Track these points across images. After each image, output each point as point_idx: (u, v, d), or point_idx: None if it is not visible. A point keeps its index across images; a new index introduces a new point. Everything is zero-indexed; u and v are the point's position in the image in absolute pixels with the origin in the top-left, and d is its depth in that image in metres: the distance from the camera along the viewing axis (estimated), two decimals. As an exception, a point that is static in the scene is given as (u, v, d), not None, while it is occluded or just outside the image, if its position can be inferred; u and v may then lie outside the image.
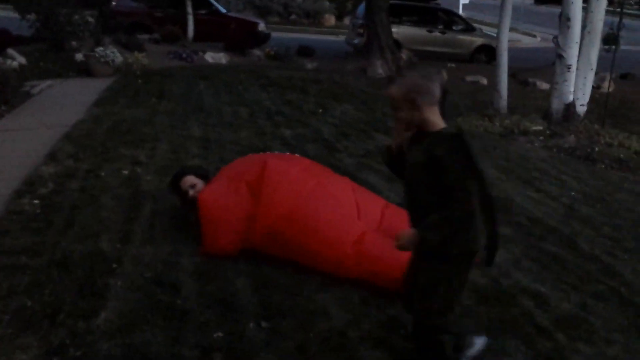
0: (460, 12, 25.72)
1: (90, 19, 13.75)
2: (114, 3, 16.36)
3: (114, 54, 11.57)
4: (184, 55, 13.88)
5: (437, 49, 17.86)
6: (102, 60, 11.32)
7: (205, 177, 4.53)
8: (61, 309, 3.33)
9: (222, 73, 12.08)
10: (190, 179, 4.48)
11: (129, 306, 3.40)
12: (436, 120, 2.71)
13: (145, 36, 15.32)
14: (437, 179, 2.59)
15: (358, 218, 4.09)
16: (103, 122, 7.38)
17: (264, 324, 3.36)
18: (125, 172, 5.60)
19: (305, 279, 3.85)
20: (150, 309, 3.38)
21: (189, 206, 4.37)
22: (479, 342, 3.04)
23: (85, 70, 11.21)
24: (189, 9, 15.92)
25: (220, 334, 3.22)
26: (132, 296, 3.50)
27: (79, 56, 11.92)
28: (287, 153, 5.62)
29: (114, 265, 3.82)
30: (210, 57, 14.25)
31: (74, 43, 13.18)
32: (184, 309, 3.40)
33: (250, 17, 20.46)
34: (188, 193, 4.42)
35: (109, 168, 5.67)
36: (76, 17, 13.24)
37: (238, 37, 16.24)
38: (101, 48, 11.80)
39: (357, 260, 3.82)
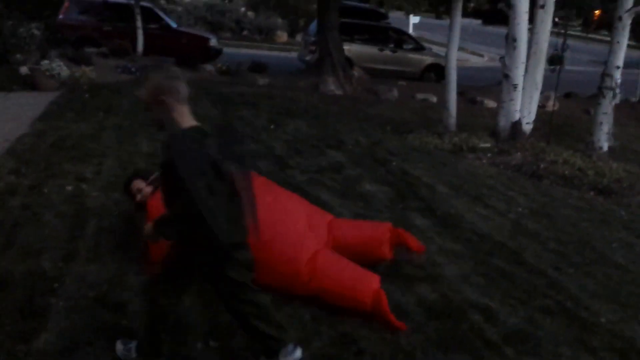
0: (411, 31, 26.10)
1: (36, 32, 13.42)
2: (61, 16, 16.04)
3: (60, 68, 11.31)
4: (133, 69, 13.68)
5: (388, 67, 18.07)
6: (48, 73, 11.06)
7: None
8: (1, 330, 3.19)
9: (172, 88, 11.91)
10: (137, 183, 4.41)
11: (71, 327, 3.28)
12: (181, 120, 2.77)
13: (93, 50, 15.04)
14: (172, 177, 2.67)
15: (310, 234, 4.06)
16: (47, 137, 7.18)
17: (212, 343, 3.29)
18: (70, 188, 5.45)
19: (255, 297, 3.79)
20: (94, 329, 3.28)
21: (137, 210, 4.31)
22: (297, 353, 3.05)
23: (30, 84, 10.92)
24: (139, 23, 15.71)
25: (167, 355, 3.13)
26: (75, 317, 3.38)
27: (24, 69, 11.61)
28: None
29: (56, 285, 3.70)
30: (160, 72, 14.06)
31: (18, 56, 12.82)
32: (130, 329, 3.31)
33: (202, 32, 20.32)
34: (136, 197, 4.36)
35: (53, 184, 5.51)
36: (21, 29, 12.91)
37: (189, 52, 16.09)
38: (47, 61, 11.52)
39: (310, 277, 3.79)
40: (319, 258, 3.86)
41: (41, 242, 4.28)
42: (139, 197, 4.34)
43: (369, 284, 3.76)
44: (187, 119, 2.77)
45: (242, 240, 2.94)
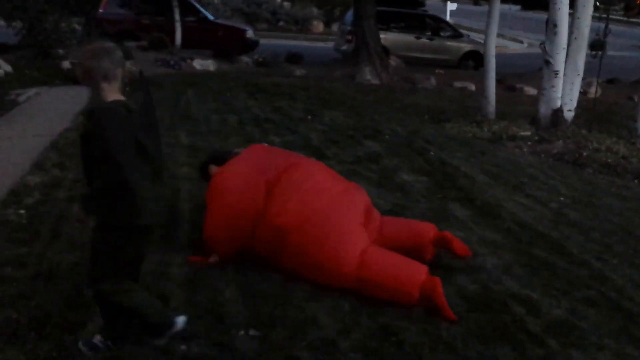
0: (448, 18, 25.82)
1: (77, 27, 13.68)
2: (101, 10, 16.29)
3: (100, 62, 11.49)
4: (172, 62, 13.83)
5: (425, 55, 17.91)
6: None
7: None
8: (48, 321, 3.28)
9: (210, 80, 12.04)
10: (212, 169, 4.46)
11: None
12: (105, 96, 2.83)
13: (133, 43, 15.25)
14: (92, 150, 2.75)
15: (365, 228, 4.06)
16: (90, 131, 7.31)
17: (253, 333, 3.33)
18: (113, 180, 5.55)
19: (295, 288, 3.82)
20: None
21: None
22: (179, 321, 3.12)
23: (72, 78, 11.12)
24: (177, 16, 15.86)
25: (209, 344, 3.18)
26: (120, 307, 3.45)
27: (66, 64, 11.84)
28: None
29: (102, 276, 3.77)
30: (198, 64, 14.21)
31: (60, 51, 13.10)
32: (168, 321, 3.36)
33: (239, 24, 20.41)
34: None
35: (96, 177, 5.61)
36: (63, 24, 13.16)
37: (226, 44, 16.20)
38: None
39: (358, 271, 3.79)
40: (369, 253, 3.85)
41: (86, 234, 4.37)
42: None
43: (417, 275, 3.76)
44: (112, 95, 2.84)
45: (157, 222, 3.04)
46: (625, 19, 30.28)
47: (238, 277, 3.89)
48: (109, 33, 15.19)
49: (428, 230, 4.36)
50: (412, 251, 4.14)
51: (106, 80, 2.83)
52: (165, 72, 13.08)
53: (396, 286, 3.72)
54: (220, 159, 4.49)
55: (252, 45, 17.13)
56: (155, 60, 13.97)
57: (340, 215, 3.98)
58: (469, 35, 20.67)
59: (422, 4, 20.20)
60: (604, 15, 11.40)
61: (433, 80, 14.69)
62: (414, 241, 4.27)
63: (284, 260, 3.94)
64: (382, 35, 16.03)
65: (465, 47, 18.50)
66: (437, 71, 16.22)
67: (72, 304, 3.45)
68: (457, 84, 14.80)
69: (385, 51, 15.92)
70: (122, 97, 2.88)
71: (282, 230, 3.89)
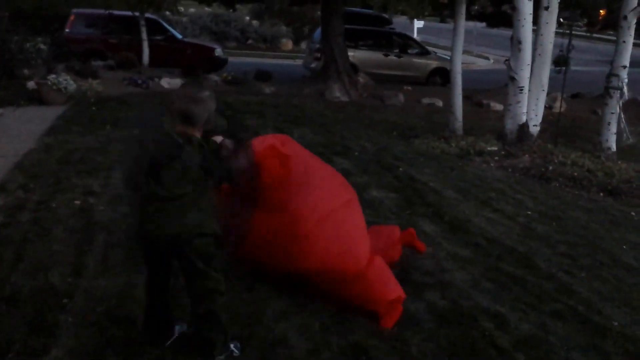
0: (415, 35, 26.12)
1: (43, 47, 13.51)
2: (67, 30, 16.14)
3: (66, 82, 11.36)
4: (140, 81, 13.73)
5: (393, 72, 18.06)
6: (55, 87, 11.11)
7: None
8: (10, 347, 3.20)
9: (178, 99, 11.95)
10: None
11: (81, 343, 3.28)
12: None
13: (100, 63, 15.12)
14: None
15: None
16: (55, 151, 7.22)
17: (222, 356, 3.28)
18: (78, 202, 5.46)
19: (264, 308, 3.79)
20: (103, 345, 3.27)
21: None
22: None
23: (37, 99, 10.98)
24: (144, 35, 15.78)
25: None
26: (84, 332, 3.38)
27: (31, 84, 11.67)
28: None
29: (65, 300, 3.70)
30: (166, 82, 14.12)
31: (25, 71, 12.91)
32: (140, 344, 3.30)
33: (207, 42, 20.40)
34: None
35: (61, 199, 5.53)
36: (28, 44, 12.99)
37: (194, 62, 16.16)
38: (54, 75, 11.58)
39: (366, 268, 3.79)
40: (374, 263, 3.88)
41: (50, 257, 4.29)
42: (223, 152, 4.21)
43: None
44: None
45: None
46: (589, 34, 30.95)
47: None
48: (76, 53, 15.07)
49: (394, 231, 4.71)
50: (385, 252, 4.19)
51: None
52: (133, 91, 12.97)
53: (380, 297, 3.76)
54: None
55: (220, 64, 17.12)
56: (122, 80, 13.84)
57: (356, 216, 4.04)
58: (436, 52, 20.93)
59: (390, 22, 20.44)
60: (568, 32, 11.63)
61: (401, 97, 14.81)
62: (386, 242, 4.45)
63: (293, 249, 3.82)
64: (351, 53, 16.16)
65: (433, 64, 18.72)
66: (405, 88, 16.37)
67: (35, 329, 3.38)
68: (425, 101, 14.95)
69: (354, 68, 16.04)
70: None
71: (302, 221, 3.81)
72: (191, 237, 3.05)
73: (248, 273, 4.20)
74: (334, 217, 3.88)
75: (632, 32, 9.96)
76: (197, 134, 3.11)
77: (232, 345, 3.29)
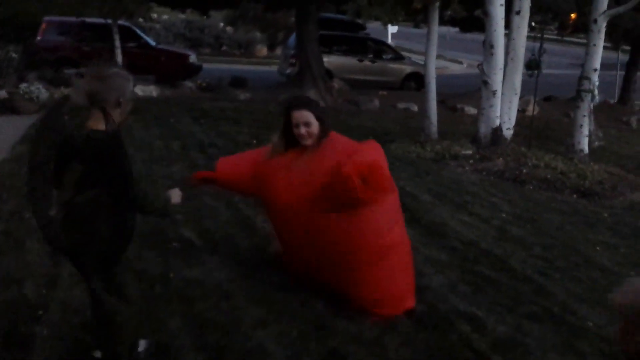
0: (389, 41, 26.24)
1: (14, 55, 13.35)
2: (39, 38, 15.95)
3: (39, 90, 11.24)
4: (113, 89, 13.61)
5: (368, 77, 18.14)
6: (27, 96, 10.98)
7: (323, 122, 3.84)
8: (-18, 362, 3.14)
9: (152, 106, 11.89)
10: (305, 115, 3.78)
11: (56, 355, 3.23)
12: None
13: (72, 71, 14.95)
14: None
15: None
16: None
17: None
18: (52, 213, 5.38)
19: (242, 316, 3.77)
20: (79, 357, 3.23)
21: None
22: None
23: (9, 108, 10.84)
24: (117, 43, 15.64)
25: None
26: (60, 344, 3.34)
27: (2, 93, 11.52)
28: None
29: (40, 312, 3.64)
30: (140, 90, 14.01)
31: (-4, 80, 12.75)
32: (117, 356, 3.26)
33: (181, 49, 20.31)
34: (299, 131, 3.79)
35: (34, 209, 5.44)
36: (-2, 52, 12.85)
37: (168, 69, 16.06)
38: (25, 84, 11.45)
39: (389, 245, 3.75)
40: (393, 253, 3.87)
41: (23, 269, 4.22)
42: (303, 130, 3.78)
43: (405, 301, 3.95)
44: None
45: None
46: (560, 37, 31.37)
47: (182, 308, 3.81)
48: (48, 61, 14.88)
49: None
50: None
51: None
52: (106, 99, 12.84)
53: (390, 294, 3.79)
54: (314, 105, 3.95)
55: (195, 70, 17.04)
56: (96, 87, 13.71)
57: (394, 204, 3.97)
58: (410, 57, 21.07)
59: (364, 28, 20.53)
60: (539, 35, 11.78)
61: (377, 102, 14.88)
62: None
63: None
64: (326, 59, 16.20)
65: (407, 69, 18.84)
66: (380, 93, 16.44)
67: (9, 342, 3.32)
68: (401, 105, 15.03)
69: (329, 74, 16.08)
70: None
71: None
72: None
73: (225, 280, 4.19)
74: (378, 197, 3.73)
75: (602, 35, 10.14)
76: (111, 122, 2.70)
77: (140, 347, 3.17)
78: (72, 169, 2.71)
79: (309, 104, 3.88)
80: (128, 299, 2.99)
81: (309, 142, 3.80)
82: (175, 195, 3.01)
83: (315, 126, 3.78)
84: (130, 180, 2.67)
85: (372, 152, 3.75)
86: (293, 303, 3.92)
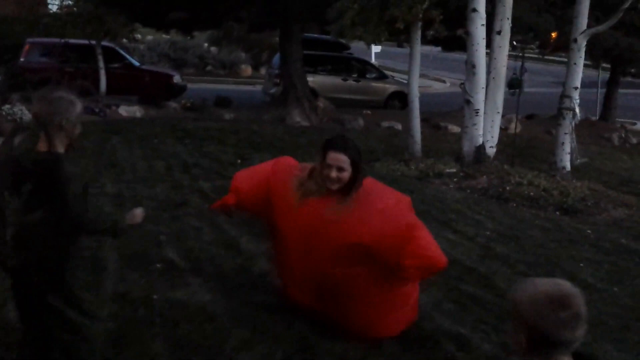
0: (373, 60, 26.46)
1: (-3, 76, 13.30)
2: (22, 59, 15.90)
3: (21, 112, 11.19)
4: (97, 109, 13.58)
5: (352, 96, 18.25)
6: (10, 118, 10.93)
7: (357, 171, 3.59)
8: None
9: (136, 127, 11.87)
10: (340, 158, 3.55)
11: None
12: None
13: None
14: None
15: None
16: (10, 183, 7.05)
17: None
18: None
19: (226, 337, 3.74)
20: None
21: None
22: None
23: (-9, 130, 10.76)
24: (101, 63, 15.65)
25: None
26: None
27: (-15, 115, 11.46)
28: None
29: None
30: (124, 110, 14.00)
31: (-21, 101, 12.67)
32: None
33: (165, 69, 20.33)
34: (330, 173, 3.55)
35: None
36: (-20, 74, 12.79)
37: (152, 89, 16.07)
38: (8, 106, 11.40)
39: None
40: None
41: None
42: (334, 174, 3.55)
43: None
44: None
45: None
46: (541, 56, 31.82)
47: (165, 331, 3.77)
48: (31, 82, 14.82)
49: None
50: None
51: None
52: (89, 119, 12.79)
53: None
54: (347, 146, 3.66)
55: (179, 90, 17.06)
56: (79, 108, 13.66)
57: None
58: (393, 77, 21.23)
59: (348, 47, 20.67)
60: (521, 54, 11.94)
61: (361, 121, 14.96)
62: None
63: None
64: (310, 78, 16.29)
65: (391, 87, 18.98)
66: (364, 112, 16.54)
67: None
68: (385, 124, 15.12)
69: (314, 93, 16.16)
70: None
71: None
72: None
73: (209, 301, 4.16)
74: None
75: (583, 54, 10.28)
76: (58, 145, 2.78)
77: None
78: (23, 190, 2.78)
79: (347, 148, 3.60)
80: (91, 314, 3.04)
81: (335, 187, 3.57)
82: (134, 216, 3.03)
83: (348, 173, 3.55)
84: (71, 202, 2.75)
85: (428, 241, 3.60)
86: (278, 324, 3.90)
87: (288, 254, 3.82)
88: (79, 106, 2.90)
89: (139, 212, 3.05)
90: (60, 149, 2.80)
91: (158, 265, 4.77)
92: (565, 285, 1.93)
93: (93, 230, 3.00)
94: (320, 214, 3.58)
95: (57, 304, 2.89)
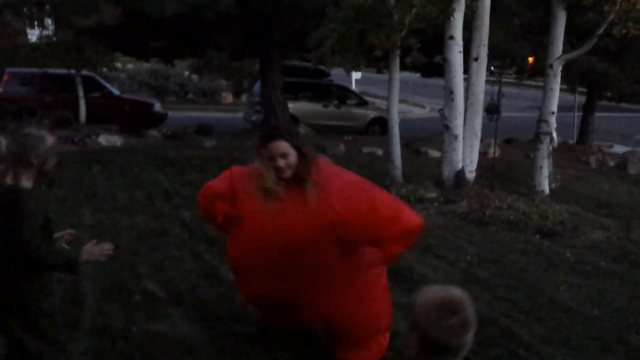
0: (353, 86, 26.67)
1: (-25, 107, 13.21)
2: (1, 89, 15.83)
3: (0, 142, 11.09)
4: (76, 139, 13.52)
5: (333, 122, 18.35)
6: (-13, 148, 10.82)
7: (301, 152, 3.57)
8: None
9: (116, 156, 11.82)
10: (282, 146, 3.52)
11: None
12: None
13: (35, 122, 14.82)
14: None
15: None
16: (-13, 215, 6.97)
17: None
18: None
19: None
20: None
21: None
22: None
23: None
24: (80, 93, 15.61)
25: None
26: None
27: (-38, 145, 11.34)
28: None
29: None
30: (104, 140, 13.94)
31: (-44, 132, 12.55)
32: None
33: (145, 97, 20.33)
34: (276, 163, 3.51)
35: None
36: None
37: (133, 118, 16.05)
38: (-14, 136, 11.29)
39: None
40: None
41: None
42: (281, 163, 3.51)
43: None
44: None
45: None
46: (518, 81, 32.22)
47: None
48: (10, 112, 14.73)
49: None
50: None
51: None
52: (69, 149, 12.73)
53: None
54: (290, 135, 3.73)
55: (160, 119, 17.06)
56: (58, 138, 13.58)
57: None
58: (374, 103, 21.41)
59: (328, 74, 20.85)
60: (498, 80, 12.09)
61: (342, 147, 15.01)
62: None
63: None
64: (291, 105, 16.38)
65: (371, 113, 19.13)
66: (345, 138, 16.61)
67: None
68: (366, 150, 15.18)
69: (295, 120, 16.23)
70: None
71: None
72: None
73: (189, 333, 4.12)
74: None
75: (559, 79, 10.44)
76: (24, 180, 2.85)
77: None
78: None
79: (281, 134, 3.60)
80: (48, 333, 2.98)
81: (288, 174, 3.51)
82: (90, 253, 3.00)
83: (293, 157, 3.51)
84: (27, 236, 2.78)
85: (413, 216, 3.75)
86: (259, 354, 3.87)
87: (261, 253, 3.64)
88: (49, 141, 2.92)
89: (96, 249, 3.01)
90: (27, 183, 2.85)
91: (138, 297, 4.73)
92: (455, 291, 2.03)
93: (46, 265, 2.95)
94: (291, 208, 3.52)
95: (16, 330, 2.89)
